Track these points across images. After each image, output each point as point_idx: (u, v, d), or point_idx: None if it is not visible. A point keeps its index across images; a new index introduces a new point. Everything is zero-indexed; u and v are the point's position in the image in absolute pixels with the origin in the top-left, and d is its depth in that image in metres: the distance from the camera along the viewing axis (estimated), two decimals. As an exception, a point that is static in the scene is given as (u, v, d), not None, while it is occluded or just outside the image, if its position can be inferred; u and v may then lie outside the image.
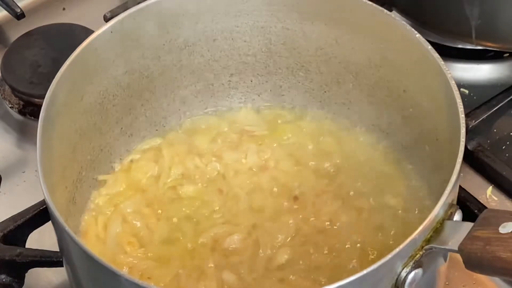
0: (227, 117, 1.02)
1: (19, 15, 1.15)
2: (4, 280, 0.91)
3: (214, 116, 1.02)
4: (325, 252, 0.88)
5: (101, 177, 0.95)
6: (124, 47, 0.93)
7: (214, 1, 0.95)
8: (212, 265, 0.87)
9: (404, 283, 0.74)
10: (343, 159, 0.96)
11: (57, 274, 0.96)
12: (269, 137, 0.99)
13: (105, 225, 0.92)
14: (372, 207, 0.92)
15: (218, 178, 0.96)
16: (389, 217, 0.91)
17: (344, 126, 1.00)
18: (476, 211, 0.95)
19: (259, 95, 1.02)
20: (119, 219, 0.92)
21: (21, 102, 1.13)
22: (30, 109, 1.12)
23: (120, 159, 0.98)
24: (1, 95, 1.14)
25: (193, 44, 0.97)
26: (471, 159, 1.03)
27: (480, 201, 0.98)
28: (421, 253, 0.74)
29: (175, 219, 0.92)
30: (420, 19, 1.07)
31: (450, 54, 1.13)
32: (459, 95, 0.81)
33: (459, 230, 0.74)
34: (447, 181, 0.75)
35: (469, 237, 0.73)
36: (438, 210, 0.74)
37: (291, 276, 0.86)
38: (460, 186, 0.88)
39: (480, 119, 1.04)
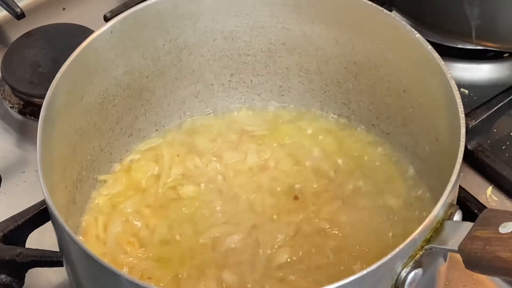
0: (227, 117, 1.02)
1: (19, 15, 1.15)
2: (4, 280, 0.91)
3: (214, 116, 1.02)
4: (325, 252, 0.88)
5: (101, 177, 0.95)
6: (124, 47, 0.93)
7: (214, 1, 0.95)
8: (212, 265, 0.87)
9: (404, 283, 0.74)
10: (343, 159, 0.96)
11: (57, 274, 0.96)
12: (269, 137, 0.99)
13: (105, 225, 0.92)
14: (372, 207, 0.92)
15: (218, 178, 0.96)
16: (389, 217, 0.91)
17: (344, 126, 1.00)
18: (476, 211, 0.95)
19: (259, 95, 1.02)
20: (119, 219, 0.92)
21: (21, 102, 1.13)
22: (30, 109, 1.12)
23: (120, 159, 0.98)
24: (1, 95, 1.14)
25: (193, 44, 0.97)
26: (471, 159, 1.03)
27: (480, 201, 0.98)
28: (421, 253, 0.74)
29: (175, 219, 0.92)
30: (420, 19, 1.07)
31: (450, 54, 1.13)
32: (459, 95, 0.81)
33: (459, 230, 0.74)
34: (447, 181, 0.75)
35: (469, 237, 0.73)
36: (438, 210, 0.74)
37: (291, 276, 0.86)
38: (460, 186, 0.88)
39: (480, 119, 1.04)
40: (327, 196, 0.93)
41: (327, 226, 0.90)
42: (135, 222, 0.92)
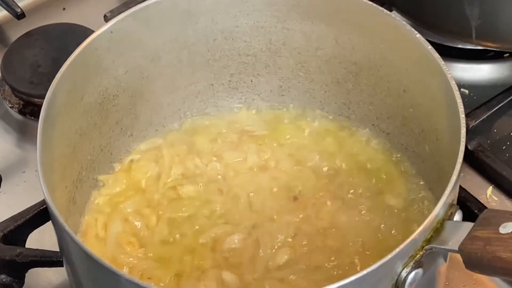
0: (227, 117, 1.02)
1: (19, 15, 1.15)
2: (4, 280, 0.91)
3: (214, 116, 1.02)
4: (325, 252, 0.88)
5: (101, 177, 0.95)
6: (124, 47, 0.92)
7: (214, 1, 0.95)
8: (212, 265, 0.87)
9: (404, 283, 0.74)
10: (343, 159, 0.96)
11: (57, 274, 0.96)
12: (269, 137, 0.99)
13: (105, 225, 0.92)
14: (372, 207, 0.92)
15: (218, 178, 0.96)
16: (389, 217, 0.91)
17: (344, 126, 1.00)
18: (476, 211, 0.95)
19: (259, 95, 1.02)
20: (119, 219, 0.92)
21: (21, 102, 1.13)
22: (30, 109, 1.12)
23: (120, 159, 0.98)
24: (1, 95, 1.14)
25: (193, 44, 0.97)
26: (471, 159, 1.03)
27: (480, 201, 0.98)
28: (421, 253, 0.74)
29: (175, 219, 0.92)
30: (420, 19, 1.07)
31: (450, 54, 1.13)
32: (459, 95, 0.81)
33: (459, 230, 0.74)
34: (447, 181, 0.75)
35: (469, 237, 0.73)
36: (438, 210, 0.74)
37: (291, 276, 0.86)
38: (460, 186, 0.88)
39: (480, 119, 1.04)
40: (327, 196, 0.93)
41: (327, 226, 0.90)
42: (135, 222, 0.92)
